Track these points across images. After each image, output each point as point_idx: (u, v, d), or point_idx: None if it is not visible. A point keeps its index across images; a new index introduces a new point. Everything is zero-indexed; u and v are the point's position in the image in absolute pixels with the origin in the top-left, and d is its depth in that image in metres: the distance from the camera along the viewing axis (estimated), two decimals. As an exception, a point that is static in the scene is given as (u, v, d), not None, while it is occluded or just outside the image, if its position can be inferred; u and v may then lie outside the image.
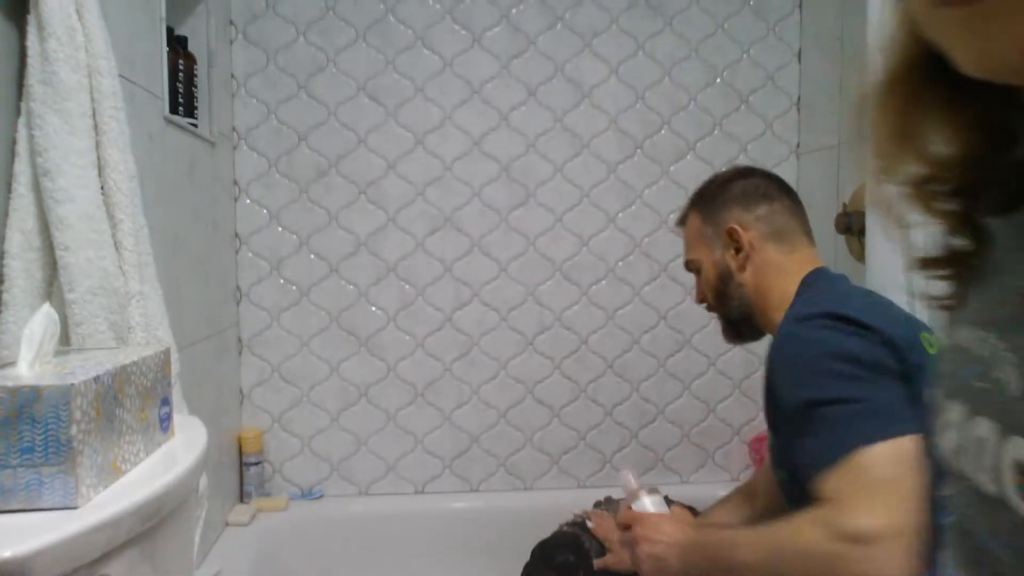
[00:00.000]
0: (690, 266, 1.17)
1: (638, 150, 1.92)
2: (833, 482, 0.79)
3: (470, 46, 1.86)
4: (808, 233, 1.09)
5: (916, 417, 0.79)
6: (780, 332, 0.96)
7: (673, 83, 1.92)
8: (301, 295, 1.86)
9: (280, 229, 1.84)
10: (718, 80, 1.93)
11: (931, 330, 0.92)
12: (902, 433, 0.78)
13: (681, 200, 1.91)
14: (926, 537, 0.74)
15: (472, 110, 1.86)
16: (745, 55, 1.93)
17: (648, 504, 1.12)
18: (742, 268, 1.07)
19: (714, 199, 1.11)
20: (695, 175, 1.93)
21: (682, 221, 1.19)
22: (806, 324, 0.92)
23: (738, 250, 1.07)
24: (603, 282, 1.94)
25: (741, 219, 1.07)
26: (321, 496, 1.89)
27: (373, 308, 1.88)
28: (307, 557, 1.78)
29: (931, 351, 0.87)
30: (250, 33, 1.80)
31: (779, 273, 1.04)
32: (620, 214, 1.92)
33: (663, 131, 1.92)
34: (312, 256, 1.85)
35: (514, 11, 1.86)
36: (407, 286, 1.88)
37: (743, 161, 1.94)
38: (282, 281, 1.86)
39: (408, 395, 1.91)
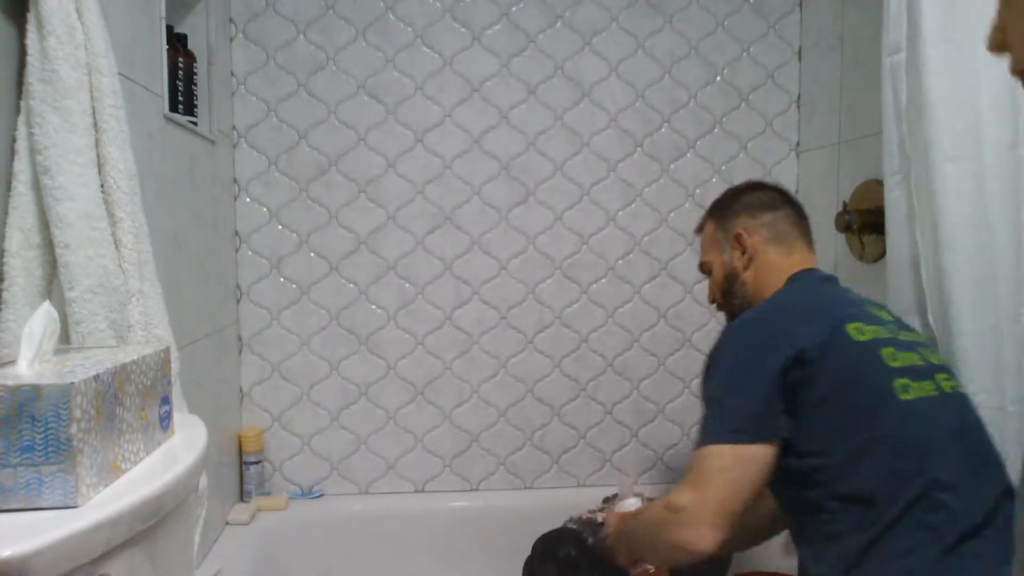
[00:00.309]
0: (703, 268, 1.29)
1: (638, 148, 1.92)
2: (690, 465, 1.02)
3: (470, 44, 1.85)
4: (808, 239, 1.22)
5: (767, 429, 0.97)
6: (724, 329, 1.11)
7: (673, 81, 1.91)
8: (301, 294, 1.86)
9: (280, 227, 1.84)
10: (718, 78, 1.93)
11: (868, 319, 1.04)
12: (743, 442, 0.97)
13: (681, 198, 1.94)
14: (732, 519, 0.96)
15: (472, 108, 1.86)
16: (745, 53, 1.93)
17: (629, 505, 1.36)
18: (746, 268, 1.20)
19: (726, 208, 1.25)
20: (695, 173, 1.94)
21: (700, 229, 1.31)
22: (739, 326, 1.07)
23: (743, 252, 1.20)
24: (603, 280, 1.94)
25: (747, 225, 1.20)
26: (321, 495, 1.89)
27: (373, 307, 1.88)
28: (307, 556, 1.78)
29: (860, 338, 1.01)
30: (250, 31, 1.80)
31: (776, 272, 1.17)
32: (620, 212, 1.92)
33: (663, 129, 1.92)
34: (312, 254, 1.85)
35: (514, 9, 1.86)
36: (407, 284, 1.88)
37: (742, 159, 1.95)
38: (282, 280, 1.85)
39: (408, 394, 1.91)
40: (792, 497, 1.05)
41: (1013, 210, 1.16)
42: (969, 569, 0.91)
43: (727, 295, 1.24)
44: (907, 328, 1.14)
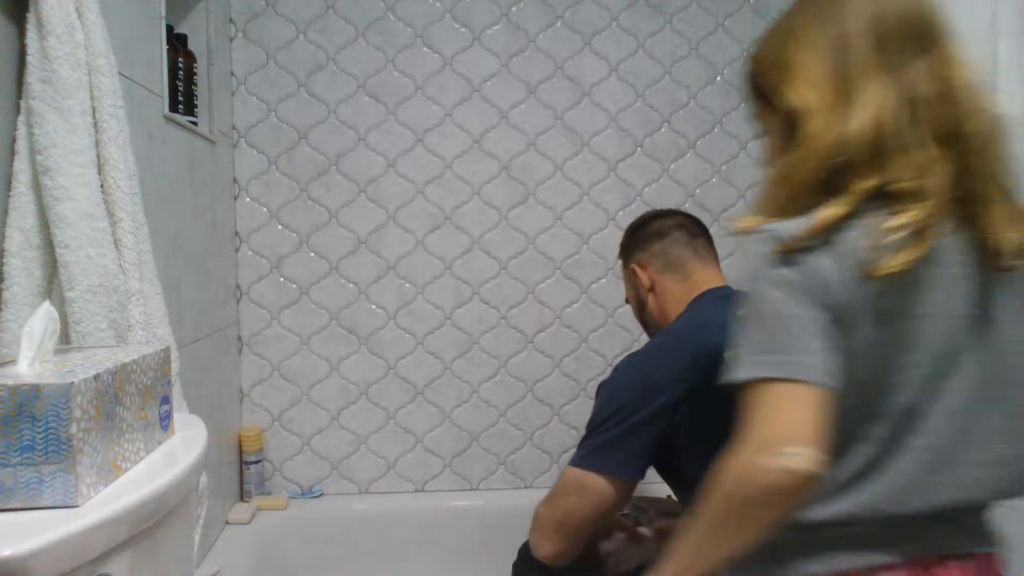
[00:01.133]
0: (627, 302, 1.35)
1: (638, 148, 1.92)
2: None
3: (470, 44, 1.85)
4: (704, 258, 1.24)
5: (618, 466, 1.05)
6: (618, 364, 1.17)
7: (673, 81, 1.92)
8: (301, 293, 1.86)
9: (280, 227, 1.84)
10: (718, 78, 1.93)
11: None
12: (594, 470, 1.06)
13: (681, 198, 1.94)
14: (569, 536, 1.09)
15: (472, 108, 1.86)
16: (745, 53, 1.93)
17: None
18: (646, 299, 1.26)
19: (625, 245, 1.31)
20: (695, 173, 1.94)
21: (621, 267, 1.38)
22: (624, 366, 1.13)
23: (643, 284, 1.26)
24: (603, 280, 1.94)
25: (640, 259, 1.26)
26: (321, 494, 1.89)
27: (373, 306, 1.88)
28: (307, 555, 1.78)
29: None
30: (250, 31, 1.80)
31: (674, 300, 1.22)
32: (620, 212, 1.92)
33: (663, 129, 1.92)
34: (312, 254, 1.85)
35: (514, 9, 1.86)
36: (407, 284, 1.88)
37: (742, 159, 1.95)
38: (282, 279, 1.86)
39: (408, 394, 1.91)
40: None
41: None
42: None
43: (643, 325, 1.31)
44: None
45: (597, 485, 1.06)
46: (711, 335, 1.07)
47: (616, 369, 1.13)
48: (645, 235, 1.27)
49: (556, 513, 1.09)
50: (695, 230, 1.26)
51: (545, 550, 1.10)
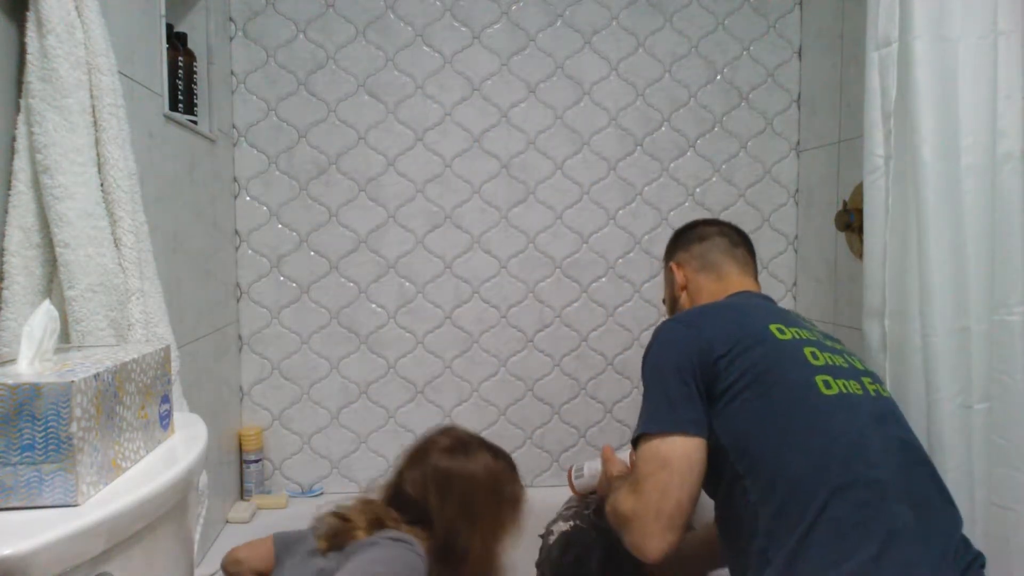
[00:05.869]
0: (664, 302, 1.39)
1: (638, 147, 1.92)
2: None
3: (470, 43, 1.85)
4: (741, 265, 1.27)
5: (687, 421, 1.00)
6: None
7: (673, 80, 1.91)
8: (301, 292, 1.86)
9: (280, 226, 1.84)
10: (718, 77, 1.93)
11: (791, 323, 1.09)
12: (666, 431, 1.00)
13: (681, 197, 1.94)
14: (673, 520, 0.96)
15: (472, 107, 1.86)
16: (745, 52, 1.93)
17: (592, 468, 1.45)
18: (679, 296, 1.29)
19: (669, 247, 1.36)
20: (695, 172, 1.94)
21: None
22: (663, 325, 1.13)
23: (678, 282, 1.29)
24: (603, 279, 1.94)
25: (680, 258, 1.30)
26: (321, 493, 1.89)
27: (373, 305, 1.88)
28: (307, 554, 1.77)
29: (782, 337, 1.05)
30: (250, 30, 1.80)
31: (708, 296, 1.24)
32: (620, 211, 1.92)
33: (663, 128, 1.92)
34: (312, 253, 1.85)
35: (514, 8, 1.86)
36: (407, 283, 1.88)
37: (743, 158, 1.94)
38: (282, 278, 1.85)
39: (408, 393, 1.91)
40: (720, 501, 1.04)
41: (987, 210, 1.16)
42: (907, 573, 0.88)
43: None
44: (835, 341, 1.15)
45: (678, 449, 0.98)
46: (763, 312, 1.11)
47: (655, 333, 1.11)
48: (688, 237, 1.31)
49: (648, 499, 0.97)
50: (737, 239, 1.30)
51: (654, 546, 0.96)
